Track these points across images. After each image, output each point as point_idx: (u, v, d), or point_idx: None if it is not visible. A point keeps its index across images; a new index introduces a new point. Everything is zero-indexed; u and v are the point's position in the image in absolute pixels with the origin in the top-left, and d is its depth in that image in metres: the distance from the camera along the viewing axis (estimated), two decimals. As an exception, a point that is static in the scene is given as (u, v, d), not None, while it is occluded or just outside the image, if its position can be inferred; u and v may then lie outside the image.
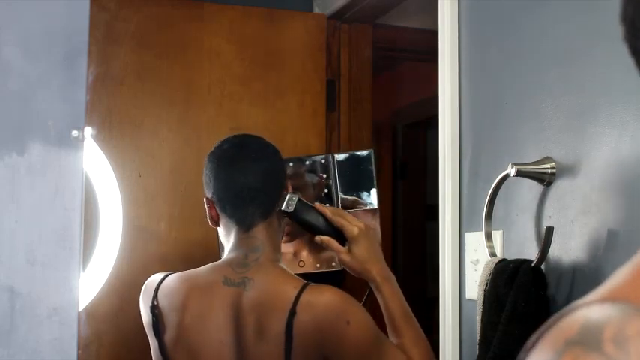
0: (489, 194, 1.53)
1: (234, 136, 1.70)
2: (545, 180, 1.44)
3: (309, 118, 2.51)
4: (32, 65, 1.69)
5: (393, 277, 1.67)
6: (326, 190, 1.83)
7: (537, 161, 1.45)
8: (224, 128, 2.26)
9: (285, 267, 1.64)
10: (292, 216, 1.67)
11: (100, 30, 2.27)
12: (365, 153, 1.87)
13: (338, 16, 2.58)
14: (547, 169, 1.43)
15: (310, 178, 1.85)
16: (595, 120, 1.34)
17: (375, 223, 1.82)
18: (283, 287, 1.55)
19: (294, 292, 1.52)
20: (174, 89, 2.40)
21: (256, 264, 1.59)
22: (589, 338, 0.46)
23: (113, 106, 2.32)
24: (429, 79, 2.03)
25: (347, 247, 1.67)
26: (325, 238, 1.68)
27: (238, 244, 1.61)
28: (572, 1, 1.42)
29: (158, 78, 2.37)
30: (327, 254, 1.80)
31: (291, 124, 2.48)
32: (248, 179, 1.60)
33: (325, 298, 1.53)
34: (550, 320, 0.50)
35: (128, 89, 2.34)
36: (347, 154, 1.89)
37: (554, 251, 1.39)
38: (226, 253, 1.63)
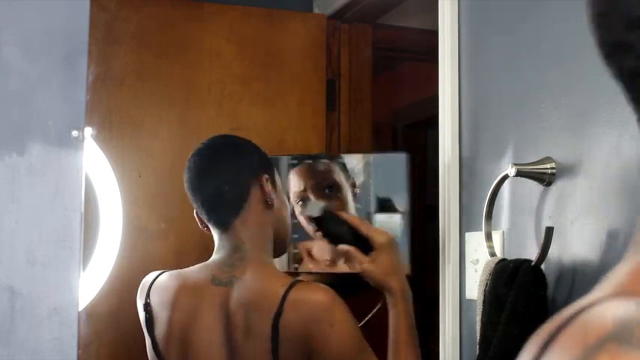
0: (489, 194, 1.53)
1: (202, 142, 1.70)
2: (545, 180, 1.43)
3: (309, 118, 2.51)
4: (32, 65, 1.69)
5: (411, 296, 1.65)
6: (357, 191, 1.85)
7: (537, 161, 1.45)
8: (224, 128, 2.25)
9: (274, 264, 1.64)
10: (315, 221, 1.73)
11: (100, 30, 2.26)
12: (399, 155, 1.90)
13: (338, 16, 2.58)
14: (547, 169, 1.43)
15: (339, 179, 1.87)
16: (595, 120, 1.33)
17: (404, 227, 1.83)
18: (271, 286, 1.54)
19: (281, 291, 1.51)
20: (174, 89, 2.40)
21: (242, 263, 1.59)
22: (625, 334, 0.44)
23: (113, 106, 2.32)
24: (429, 79, 2.03)
25: (371, 256, 1.65)
26: (348, 247, 1.68)
27: (221, 245, 1.64)
28: (572, 1, 1.42)
29: (158, 78, 2.37)
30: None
31: (291, 124, 2.47)
32: (210, 182, 1.62)
33: (313, 296, 1.52)
34: (556, 321, 0.49)
35: (128, 89, 2.34)
36: (381, 156, 1.91)
37: (554, 251, 1.39)
38: (213, 254, 1.66)
